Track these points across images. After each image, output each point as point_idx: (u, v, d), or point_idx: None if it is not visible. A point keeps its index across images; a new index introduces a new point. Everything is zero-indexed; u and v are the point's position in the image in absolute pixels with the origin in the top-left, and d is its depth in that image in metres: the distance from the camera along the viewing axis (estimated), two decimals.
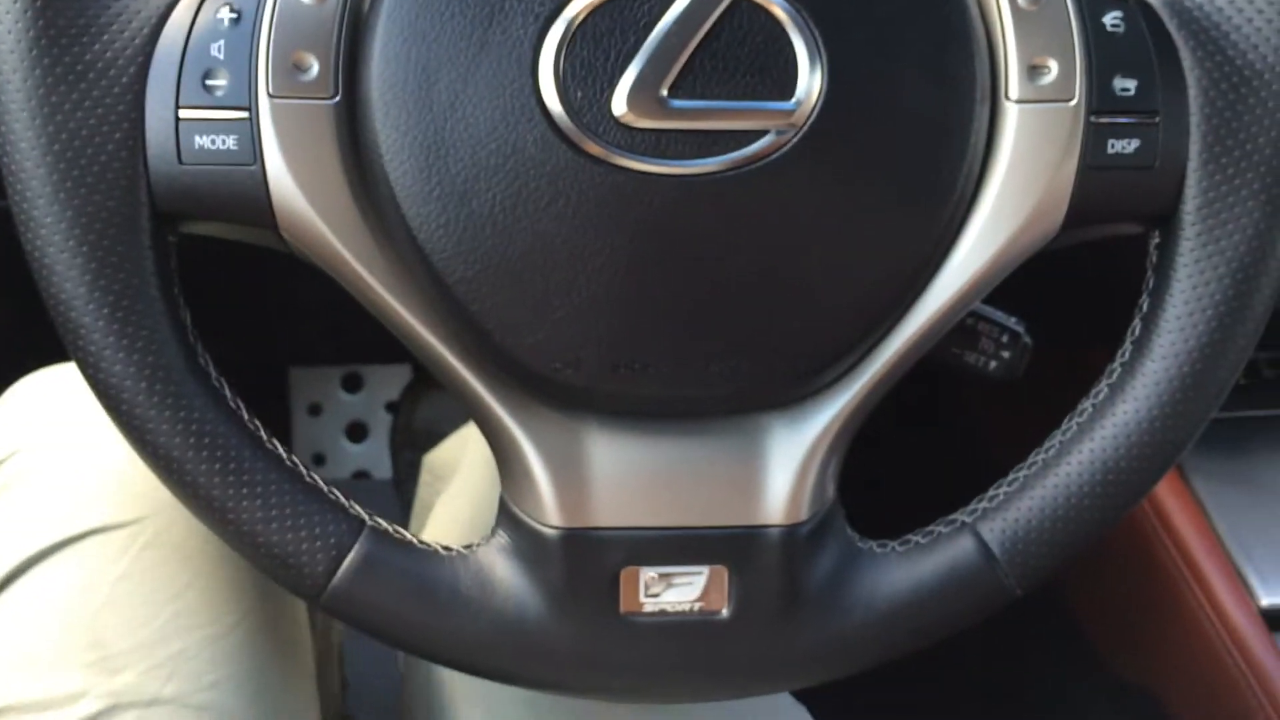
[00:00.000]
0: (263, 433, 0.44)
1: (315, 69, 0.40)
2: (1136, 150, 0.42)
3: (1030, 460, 0.46)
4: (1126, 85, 0.42)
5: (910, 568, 0.45)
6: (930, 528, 0.46)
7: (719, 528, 0.44)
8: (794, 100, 0.40)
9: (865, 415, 0.45)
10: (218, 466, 0.42)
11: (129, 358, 0.41)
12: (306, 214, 0.41)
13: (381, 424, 1.31)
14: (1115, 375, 0.45)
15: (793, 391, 0.44)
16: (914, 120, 0.41)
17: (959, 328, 0.50)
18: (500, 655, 0.45)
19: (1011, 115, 0.42)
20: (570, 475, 0.43)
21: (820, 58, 0.40)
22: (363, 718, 0.91)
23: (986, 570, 0.45)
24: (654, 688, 0.46)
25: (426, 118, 0.40)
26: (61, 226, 0.40)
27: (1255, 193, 0.42)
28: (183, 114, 0.40)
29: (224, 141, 0.40)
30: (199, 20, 0.41)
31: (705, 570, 0.44)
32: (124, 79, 0.40)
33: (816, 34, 0.40)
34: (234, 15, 0.41)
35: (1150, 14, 0.42)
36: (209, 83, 0.40)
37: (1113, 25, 0.42)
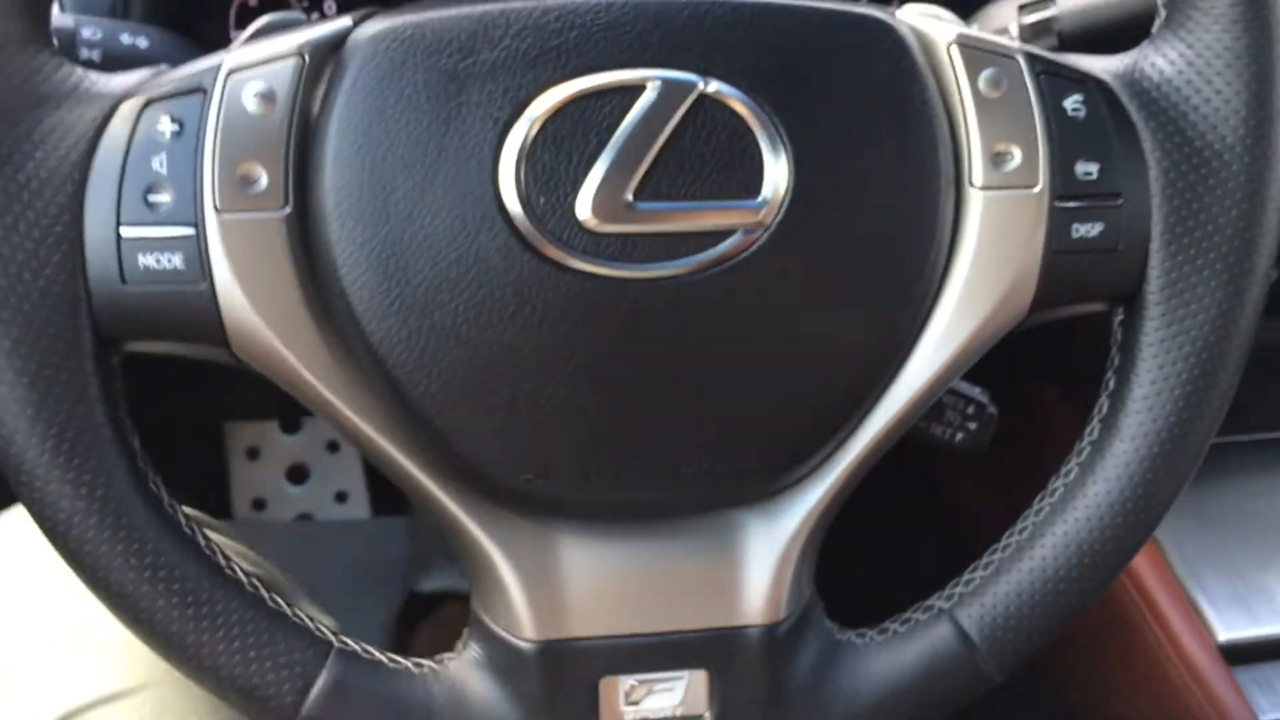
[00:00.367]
0: (220, 559, 0.42)
1: (264, 180, 0.39)
2: (1100, 233, 0.42)
3: (1004, 542, 0.45)
4: (1089, 169, 0.42)
5: (890, 658, 0.45)
6: (908, 615, 0.46)
7: (698, 631, 0.43)
8: (760, 198, 0.39)
9: (840, 507, 0.44)
10: (175, 600, 0.40)
11: (76, 491, 0.39)
12: (261, 331, 0.39)
13: (323, 465, 1.28)
14: (1085, 454, 0.45)
15: (767, 488, 0.43)
16: (880, 211, 0.40)
17: None
18: None
19: (976, 202, 0.41)
20: (544, 585, 0.42)
21: (785, 153, 0.39)
22: None
23: (965, 658, 0.44)
24: None
25: (384, 228, 0.39)
26: (0, 355, 0.38)
27: (1218, 272, 0.42)
28: (125, 232, 0.38)
29: (170, 260, 0.39)
30: (138, 132, 0.39)
31: (686, 675, 0.43)
32: (60, 198, 0.38)
33: (780, 129, 0.39)
34: (175, 127, 0.39)
35: (1110, 97, 0.42)
36: (151, 198, 0.39)
37: (1074, 110, 0.42)
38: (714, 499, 0.43)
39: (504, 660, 0.43)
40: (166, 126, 0.39)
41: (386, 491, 1.27)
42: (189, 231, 0.38)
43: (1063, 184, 0.42)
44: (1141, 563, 0.73)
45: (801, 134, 0.39)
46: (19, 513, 0.58)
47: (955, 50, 0.41)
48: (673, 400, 0.40)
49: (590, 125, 0.38)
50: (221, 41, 0.60)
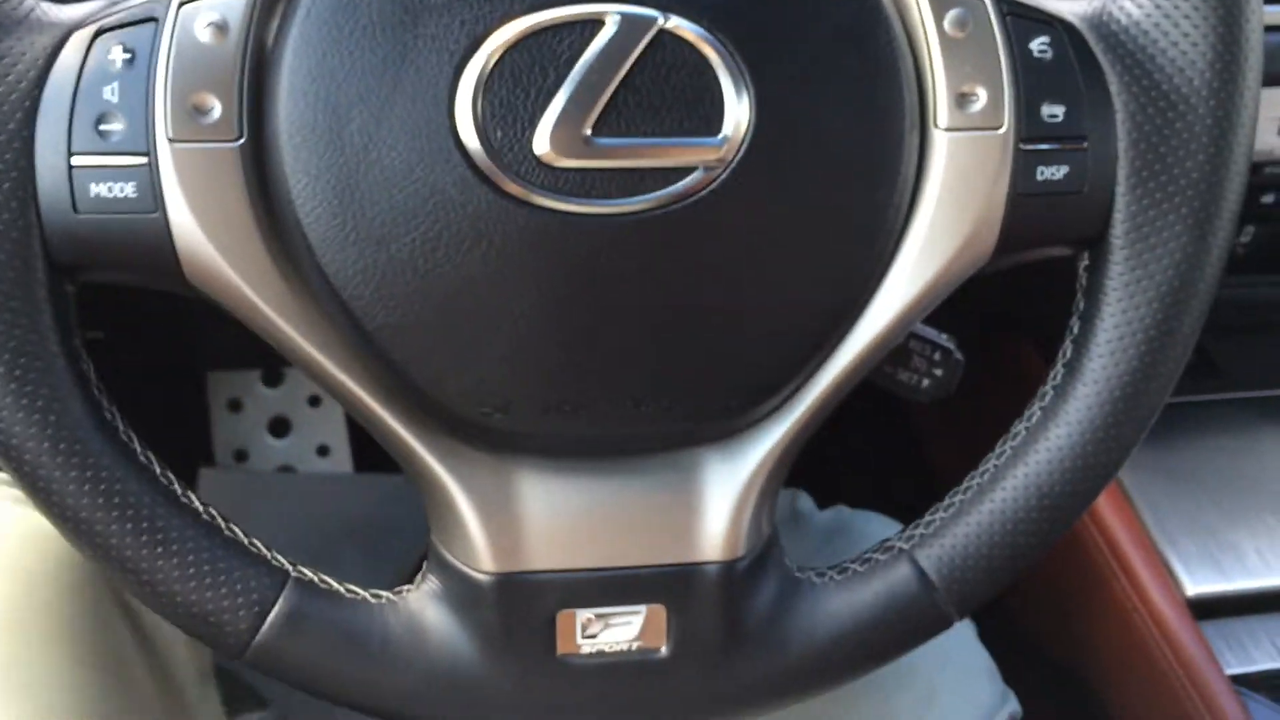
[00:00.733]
0: (177, 486, 0.42)
1: (218, 110, 0.38)
2: (1065, 176, 0.42)
3: (965, 485, 0.46)
4: (1054, 111, 0.41)
5: (848, 596, 0.45)
6: (868, 554, 0.46)
7: (656, 566, 0.43)
8: (721, 136, 0.39)
9: (802, 446, 0.44)
10: (129, 526, 0.40)
11: (29, 417, 0.39)
12: (215, 262, 0.39)
13: (305, 418, 1.28)
14: (1048, 399, 0.45)
15: (727, 426, 0.43)
16: (843, 151, 0.40)
17: None
18: (435, 704, 0.43)
19: (941, 144, 0.41)
20: (502, 519, 0.42)
21: (747, 91, 0.39)
22: None
23: (924, 597, 0.45)
24: None
25: (339, 159, 0.38)
26: None
27: (1183, 216, 0.42)
28: (76, 161, 0.38)
29: (122, 189, 0.38)
30: (90, 61, 0.38)
31: (643, 609, 0.43)
32: (10, 125, 0.38)
33: (742, 67, 0.39)
34: (127, 55, 0.38)
35: (1077, 39, 0.42)
36: (103, 127, 0.38)
37: (1040, 51, 0.41)
38: (674, 436, 0.43)
39: (462, 592, 0.43)
40: (118, 55, 0.38)
41: (369, 446, 1.27)
42: (141, 160, 0.38)
43: (1028, 126, 0.41)
44: (1113, 519, 0.73)
45: (763, 71, 0.39)
46: None
47: None
48: (632, 337, 0.40)
49: (548, 59, 0.38)
50: None
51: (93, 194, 0.38)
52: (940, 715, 0.65)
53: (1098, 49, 0.42)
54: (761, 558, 0.44)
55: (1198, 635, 0.68)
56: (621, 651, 0.44)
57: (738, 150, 0.39)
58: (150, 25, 0.38)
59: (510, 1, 0.38)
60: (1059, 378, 0.44)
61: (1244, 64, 0.42)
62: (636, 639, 0.44)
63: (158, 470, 0.41)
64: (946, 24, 0.41)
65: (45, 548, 0.53)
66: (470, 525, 0.42)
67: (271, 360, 1.18)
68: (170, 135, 0.38)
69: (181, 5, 0.38)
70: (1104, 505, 0.73)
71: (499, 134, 0.38)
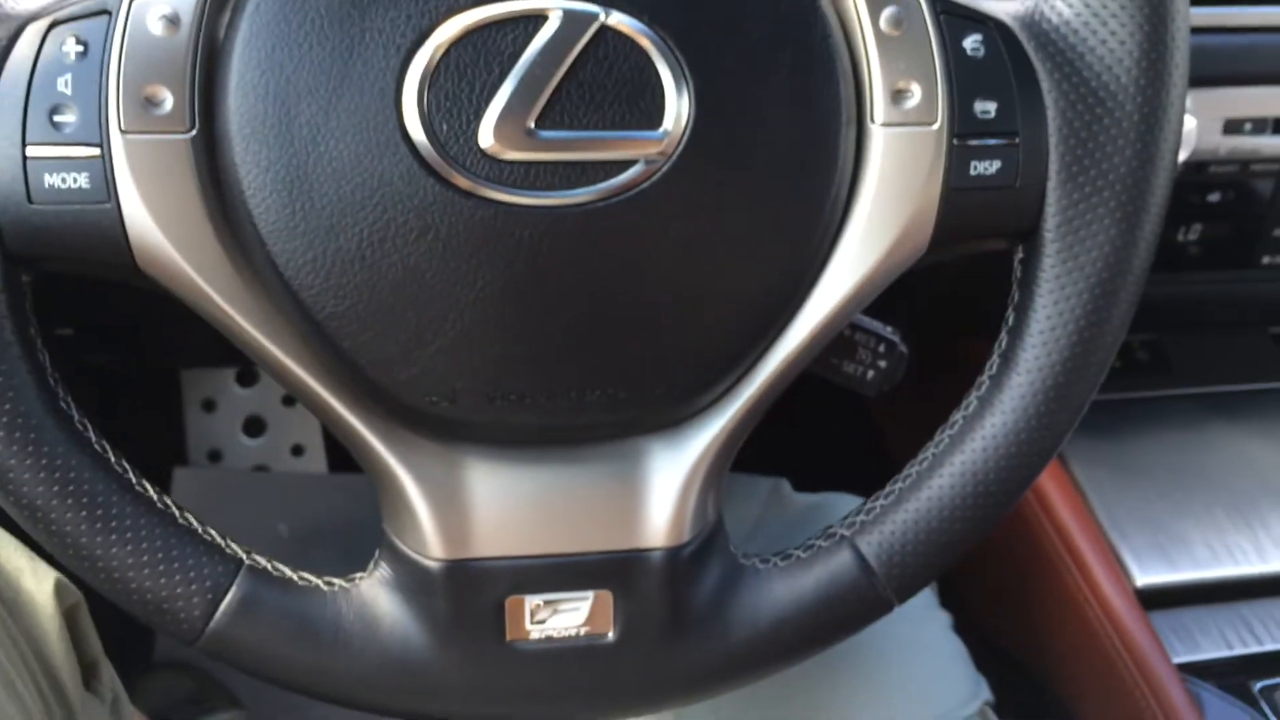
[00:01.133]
0: (132, 475, 0.42)
1: (169, 102, 0.39)
2: (998, 171, 0.43)
3: (905, 472, 0.47)
4: (987, 108, 0.43)
5: (791, 582, 0.46)
6: (810, 541, 0.47)
7: (602, 553, 0.44)
8: (662, 129, 0.40)
9: (746, 434, 0.45)
10: (84, 514, 0.41)
11: None
12: (166, 252, 0.40)
13: (279, 417, 1.29)
14: (984, 388, 0.46)
15: (671, 415, 0.44)
16: (782, 145, 0.41)
17: (837, 339, 0.50)
18: (387, 690, 0.44)
19: (877, 138, 0.42)
20: (451, 507, 0.43)
21: (687, 86, 0.40)
22: None
23: (864, 583, 0.46)
24: (543, 713, 0.47)
25: (288, 151, 0.39)
26: None
27: (1111, 210, 0.43)
28: (30, 151, 0.39)
29: (75, 180, 0.39)
30: (44, 53, 0.39)
31: (590, 595, 0.44)
32: None
33: (682, 62, 0.40)
34: (80, 48, 0.39)
35: (1009, 37, 0.43)
36: (57, 119, 0.39)
37: (973, 49, 0.42)
38: (619, 425, 0.44)
39: (412, 580, 0.44)
40: (71, 47, 0.39)
41: (343, 445, 1.28)
42: (94, 152, 0.39)
43: (961, 122, 0.42)
44: (1065, 510, 0.74)
45: (703, 67, 0.40)
46: None
47: None
48: (577, 327, 0.41)
49: (493, 53, 0.39)
50: None
51: (47, 184, 0.39)
52: (915, 702, 0.66)
53: (1029, 47, 0.43)
54: (706, 544, 0.45)
55: (1147, 625, 0.70)
56: (569, 637, 0.45)
57: (678, 144, 0.40)
58: (103, 18, 0.39)
59: None
60: (994, 368, 0.46)
61: (1170, 63, 0.43)
62: (584, 624, 0.45)
63: (113, 459, 0.42)
64: (882, 22, 0.42)
65: None
66: (420, 513, 0.43)
67: (244, 358, 1.19)
68: (123, 127, 0.39)
69: None
70: (1056, 497, 0.75)
71: (444, 127, 0.39)
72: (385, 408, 0.42)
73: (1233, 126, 0.68)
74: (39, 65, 0.39)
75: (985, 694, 0.68)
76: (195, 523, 0.43)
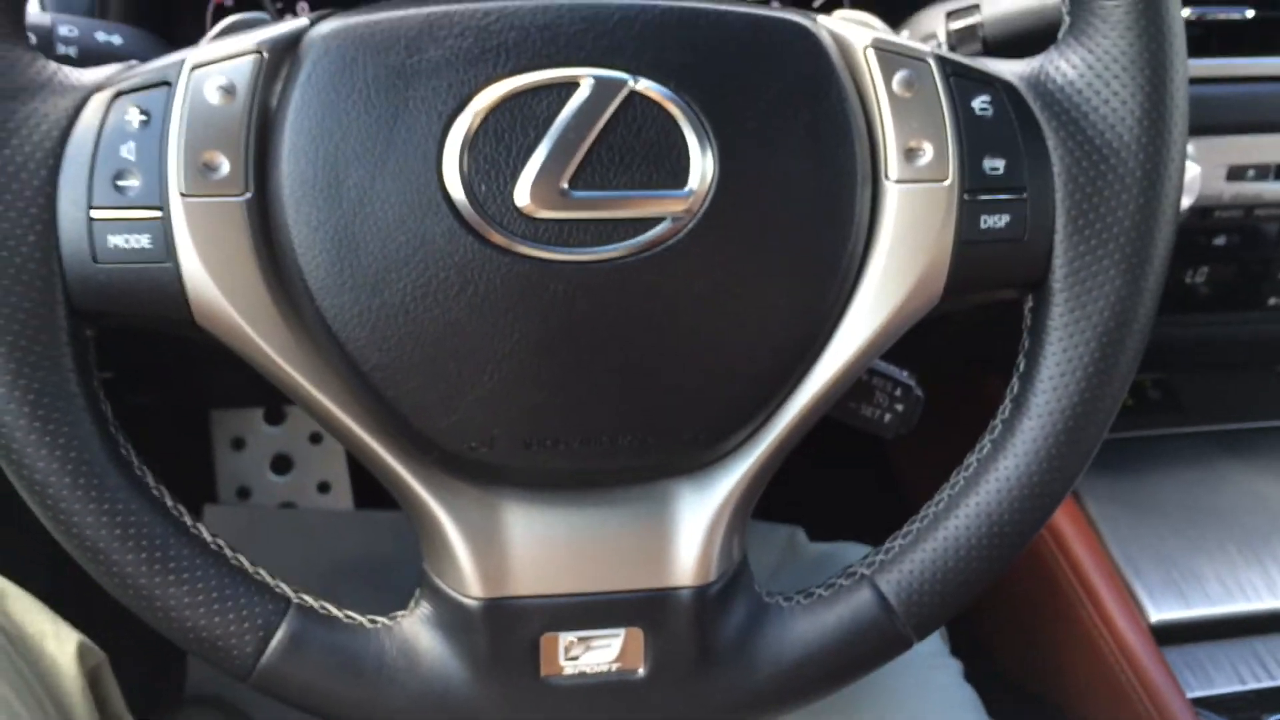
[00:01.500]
0: (187, 518, 0.45)
1: (226, 167, 0.42)
2: (1007, 224, 0.45)
3: (922, 513, 0.48)
4: (996, 165, 0.45)
5: (814, 620, 0.48)
6: (832, 579, 0.49)
7: (633, 591, 0.46)
8: (687, 188, 0.42)
9: (769, 476, 0.47)
10: (144, 555, 0.43)
11: (52, 454, 0.42)
12: (222, 308, 0.42)
13: (306, 455, 1.31)
14: (997, 432, 0.48)
15: (698, 459, 0.46)
16: (801, 202, 0.43)
17: (855, 384, 0.52)
18: None
19: (892, 195, 0.44)
20: (489, 547, 0.45)
21: (711, 147, 0.42)
22: None
23: (885, 621, 0.47)
24: None
25: (336, 212, 0.41)
26: None
27: (1117, 261, 0.45)
28: (95, 214, 0.41)
29: (138, 240, 0.41)
30: (108, 122, 0.42)
31: (621, 632, 0.46)
32: (35, 182, 0.41)
33: (706, 125, 0.42)
34: (144, 117, 0.42)
35: (1016, 97, 0.45)
36: (120, 183, 0.41)
37: (981, 109, 0.45)
38: (648, 470, 0.46)
39: (452, 617, 0.46)
40: (135, 117, 0.42)
41: (368, 482, 1.30)
42: (156, 214, 0.41)
43: (971, 178, 0.45)
44: (1080, 548, 0.76)
45: (726, 129, 0.42)
46: None
47: (871, 53, 0.44)
48: (608, 376, 0.43)
49: (529, 118, 0.42)
50: (195, 40, 0.63)
51: (111, 245, 0.41)
52: None
53: (1035, 107, 0.45)
54: (732, 583, 0.47)
55: (1160, 660, 0.71)
56: (602, 672, 0.46)
57: (703, 202, 0.42)
58: (164, 89, 0.42)
59: (494, 66, 0.41)
60: (1007, 412, 0.47)
61: (1170, 120, 0.45)
62: (616, 660, 0.46)
63: (169, 503, 0.44)
64: (895, 84, 0.44)
65: None
66: (460, 554, 0.45)
67: (273, 399, 1.22)
68: (183, 190, 0.41)
69: (193, 70, 0.42)
70: (1071, 534, 0.76)
71: (483, 188, 0.41)
72: (427, 454, 0.44)
73: (1236, 173, 0.71)
74: (104, 133, 0.42)
75: None
76: (245, 563, 0.45)
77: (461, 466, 0.45)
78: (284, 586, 0.46)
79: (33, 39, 0.43)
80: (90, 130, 0.42)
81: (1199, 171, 0.66)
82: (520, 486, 0.46)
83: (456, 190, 0.41)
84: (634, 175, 0.42)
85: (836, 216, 0.44)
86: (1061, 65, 0.45)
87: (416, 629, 0.46)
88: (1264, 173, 0.71)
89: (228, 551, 0.45)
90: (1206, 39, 0.69)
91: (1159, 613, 0.74)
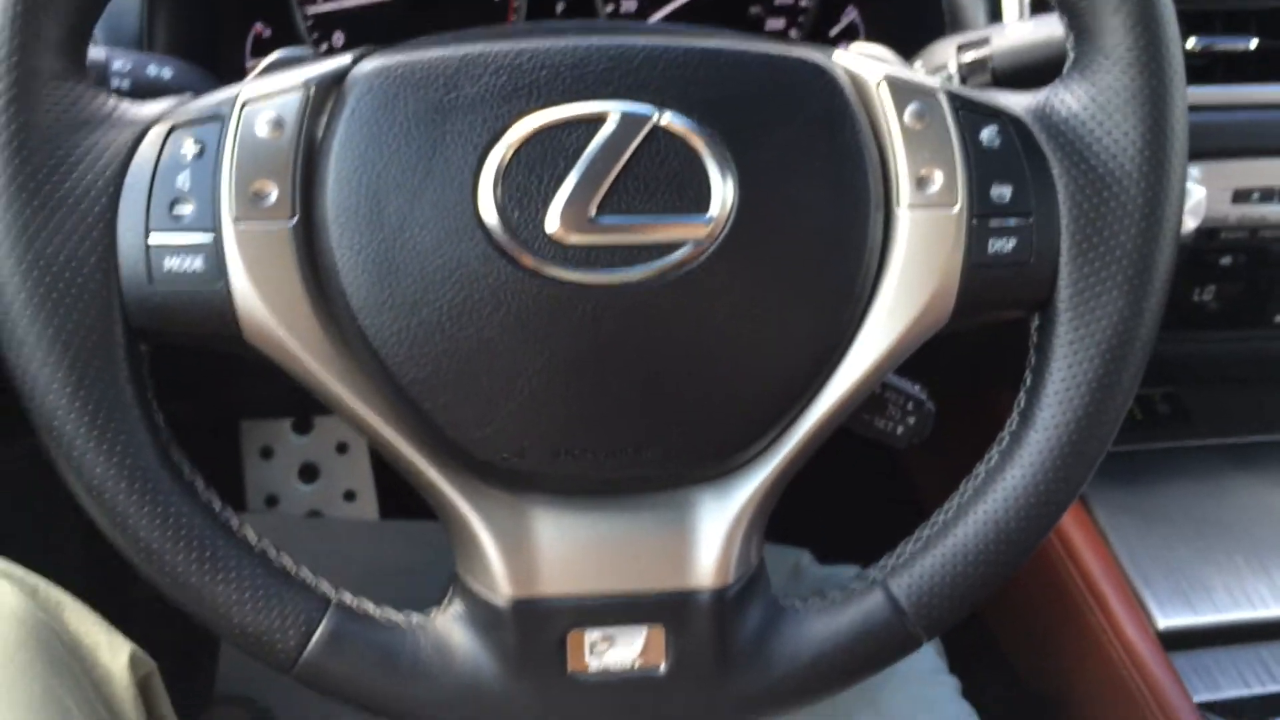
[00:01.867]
0: (234, 521, 0.47)
1: (274, 195, 0.44)
2: (1014, 248, 0.47)
3: (933, 520, 0.51)
4: (1003, 192, 0.47)
5: (828, 621, 0.50)
6: (845, 584, 0.51)
7: (655, 592, 0.48)
8: (709, 215, 0.45)
9: (785, 485, 0.50)
10: (194, 555, 0.46)
11: (109, 461, 0.45)
12: (270, 326, 0.45)
13: (332, 464, 1.34)
14: (1004, 443, 0.50)
15: (717, 468, 0.48)
16: (817, 228, 0.46)
17: (869, 397, 0.55)
18: (459, 715, 0.49)
19: (904, 220, 0.47)
20: (518, 550, 0.48)
21: (731, 176, 0.45)
22: None
23: (896, 622, 0.50)
24: None
25: (378, 237, 0.44)
26: (42, 344, 0.44)
27: (1119, 283, 0.47)
28: (152, 239, 0.44)
29: (191, 263, 0.44)
30: (165, 153, 0.45)
31: (644, 631, 0.48)
32: (96, 208, 0.44)
33: (727, 155, 0.45)
34: (198, 148, 0.44)
35: (1022, 128, 0.48)
36: (176, 210, 0.44)
37: (989, 140, 0.47)
38: (670, 478, 0.48)
39: (483, 616, 0.48)
40: (189, 148, 0.44)
41: (393, 491, 1.33)
42: (208, 239, 0.44)
43: (979, 204, 0.47)
44: (1089, 556, 0.78)
45: (745, 159, 0.45)
46: None
47: (884, 88, 0.47)
48: (633, 391, 0.46)
49: (559, 150, 0.44)
50: (237, 70, 0.66)
51: (166, 267, 0.44)
52: None
53: (1041, 137, 0.48)
54: (749, 586, 0.50)
55: (1168, 665, 0.73)
56: (625, 669, 0.49)
57: (723, 227, 0.45)
58: (217, 122, 0.45)
59: (526, 101, 0.44)
60: (1014, 424, 0.50)
61: (1170, 150, 0.47)
62: (638, 657, 0.49)
63: (218, 508, 0.47)
64: (906, 116, 0.47)
65: None
66: (490, 556, 0.48)
67: (302, 410, 1.24)
68: (234, 216, 0.44)
69: (244, 105, 0.45)
70: (1081, 543, 0.78)
71: (516, 215, 0.44)
72: (461, 462, 0.47)
73: (1241, 196, 0.73)
74: (161, 163, 0.44)
75: None
76: (289, 564, 0.48)
77: (493, 474, 0.47)
78: (325, 586, 0.48)
79: (90, 75, 0.45)
80: (148, 161, 0.45)
81: (1205, 194, 0.68)
82: (549, 493, 0.48)
83: (491, 217, 0.44)
84: (658, 202, 0.45)
85: (851, 241, 0.46)
86: (1066, 98, 0.48)
87: (449, 627, 0.49)
88: (1268, 195, 0.73)
89: (271, 553, 0.48)
90: (1212, 67, 0.71)
91: (1166, 619, 0.76)
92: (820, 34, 0.76)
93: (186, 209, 0.44)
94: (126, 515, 0.45)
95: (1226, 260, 0.75)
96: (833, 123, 0.46)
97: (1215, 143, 0.70)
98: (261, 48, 0.70)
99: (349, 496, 1.33)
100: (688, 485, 0.49)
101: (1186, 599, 0.77)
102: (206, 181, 0.44)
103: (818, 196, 0.46)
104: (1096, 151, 0.47)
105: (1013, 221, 0.47)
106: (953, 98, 0.47)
